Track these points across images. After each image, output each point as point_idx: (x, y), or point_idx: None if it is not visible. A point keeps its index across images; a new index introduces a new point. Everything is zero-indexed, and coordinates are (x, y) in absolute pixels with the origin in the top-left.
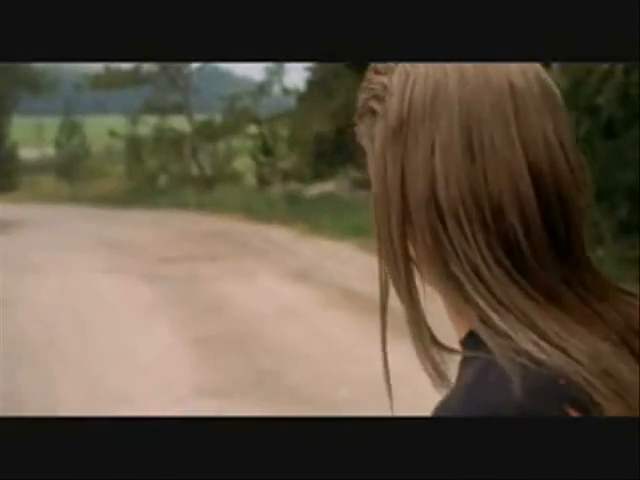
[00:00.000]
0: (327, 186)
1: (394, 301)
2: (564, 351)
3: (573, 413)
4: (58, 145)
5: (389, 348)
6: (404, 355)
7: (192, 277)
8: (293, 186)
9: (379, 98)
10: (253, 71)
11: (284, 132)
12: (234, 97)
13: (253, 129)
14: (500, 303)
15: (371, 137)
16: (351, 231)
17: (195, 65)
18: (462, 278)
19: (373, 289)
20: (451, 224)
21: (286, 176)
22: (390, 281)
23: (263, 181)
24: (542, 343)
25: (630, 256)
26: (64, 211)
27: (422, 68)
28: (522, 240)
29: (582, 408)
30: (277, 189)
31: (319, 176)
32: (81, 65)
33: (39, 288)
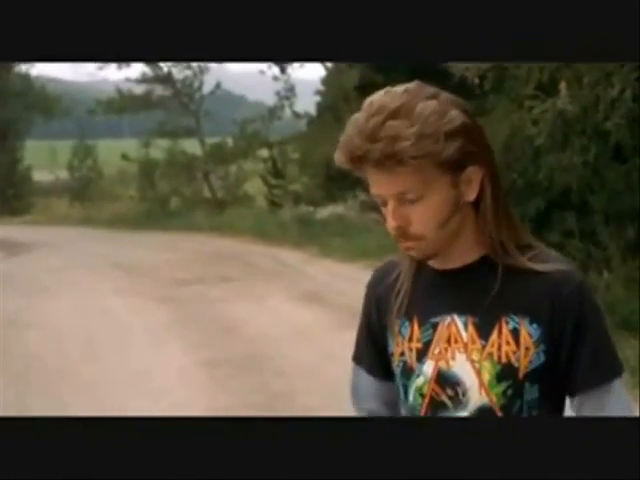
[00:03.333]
0: (337, 208)
1: None
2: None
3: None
4: (71, 168)
5: None
6: None
7: (204, 299)
8: (304, 208)
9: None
10: (264, 95)
11: (295, 155)
12: (245, 121)
13: (264, 152)
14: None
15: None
16: (361, 253)
17: (207, 89)
18: None
19: None
20: None
21: (297, 199)
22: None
23: (274, 204)
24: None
25: (638, 277)
26: (77, 233)
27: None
28: None
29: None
30: (288, 211)
31: (329, 198)
32: (94, 90)
33: (52, 310)
